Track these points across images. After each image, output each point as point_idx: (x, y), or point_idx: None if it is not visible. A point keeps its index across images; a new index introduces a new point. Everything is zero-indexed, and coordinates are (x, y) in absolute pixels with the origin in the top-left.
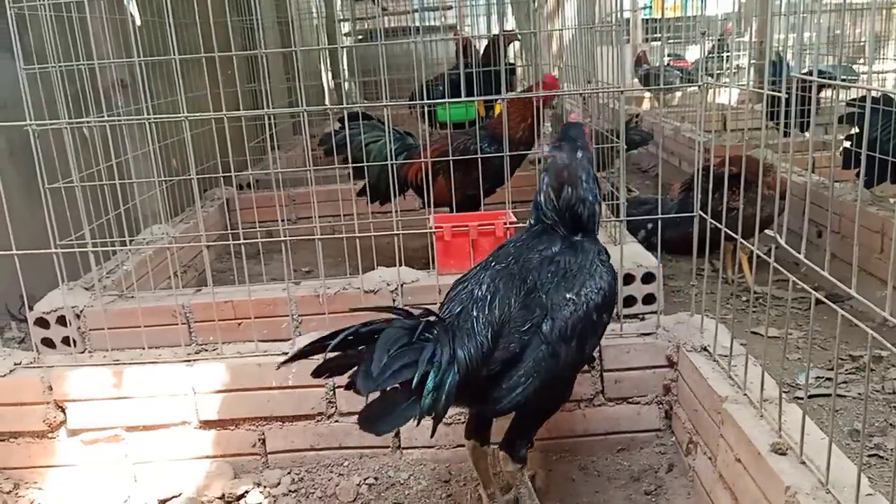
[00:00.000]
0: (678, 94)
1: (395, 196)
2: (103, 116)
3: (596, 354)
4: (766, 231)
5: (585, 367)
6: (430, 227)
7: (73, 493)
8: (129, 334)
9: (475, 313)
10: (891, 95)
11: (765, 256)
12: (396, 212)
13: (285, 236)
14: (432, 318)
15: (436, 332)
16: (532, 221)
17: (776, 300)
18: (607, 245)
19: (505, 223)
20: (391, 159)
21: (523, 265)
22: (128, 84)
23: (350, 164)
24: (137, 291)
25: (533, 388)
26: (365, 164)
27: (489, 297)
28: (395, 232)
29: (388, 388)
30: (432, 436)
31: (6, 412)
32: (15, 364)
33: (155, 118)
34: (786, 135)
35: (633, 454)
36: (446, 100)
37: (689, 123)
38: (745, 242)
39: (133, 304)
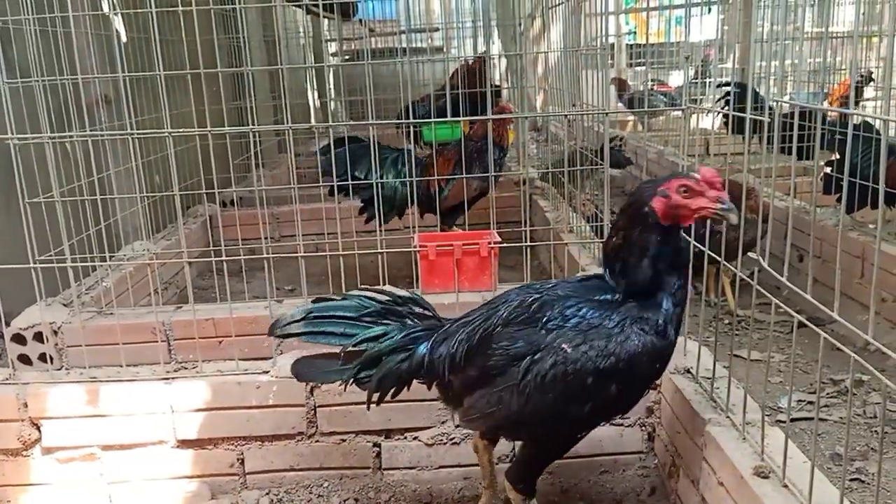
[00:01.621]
0: (661, 118)
1: (413, 213)
2: (86, 131)
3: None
4: (749, 254)
5: None
6: (415, 246)
7: None
8: (107, 351)
9: (466, 326)
10: (870, 122)
11: (748, 279)
12: (380, 229)
13: (268, 253)
14: (398, 307)
15: (398, 321)
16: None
17: (758, 323)
18: (589, 266)
19: (489, 243)
20: (410, 175)
21: (546, 302)
22: (112, 100)
23: (360, 181)
24: (117, 308)
25: (493, 420)
26: (373, 182)
27: (487, 316)
28: (379, 251)
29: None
30: (368, 408)
31: None
32: None
33: (138, 133)
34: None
35: (615, 476)
36: (433, 119)
37: (673, 147)
38: (727, 265)
39: (112, 320)
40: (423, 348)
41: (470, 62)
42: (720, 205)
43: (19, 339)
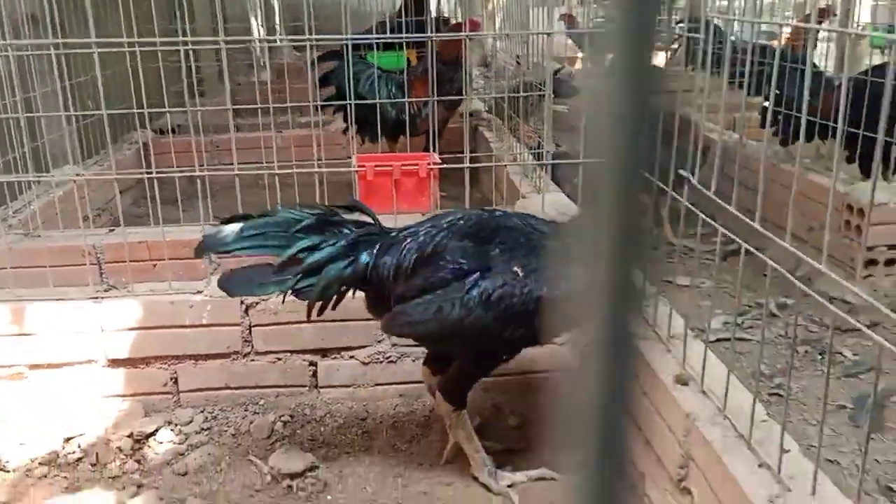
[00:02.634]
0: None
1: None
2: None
3: None
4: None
5: None
6: (353, 167)
7: None
8: (35, 274)
9: (414, 237)
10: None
11: (691, 207)
12: (319, 147)
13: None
14: (333, 218)
15: (342, 229)
16: None
17: (690, 252)
18: (530, 193)
19: (429, 163)
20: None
21: (501, 225)
22: (38, 19)
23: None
24: (45, 231)
25: (424, 328)
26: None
27: (437, 229)
28: (317, 170)
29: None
30: (308, 319)
31: None
32: None
33: (64, 46)
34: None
35: (545, 393)
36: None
37: None
38: (674, 194)
39: (40, 243)
40: (365, 256)
41: None
42: None
43: None
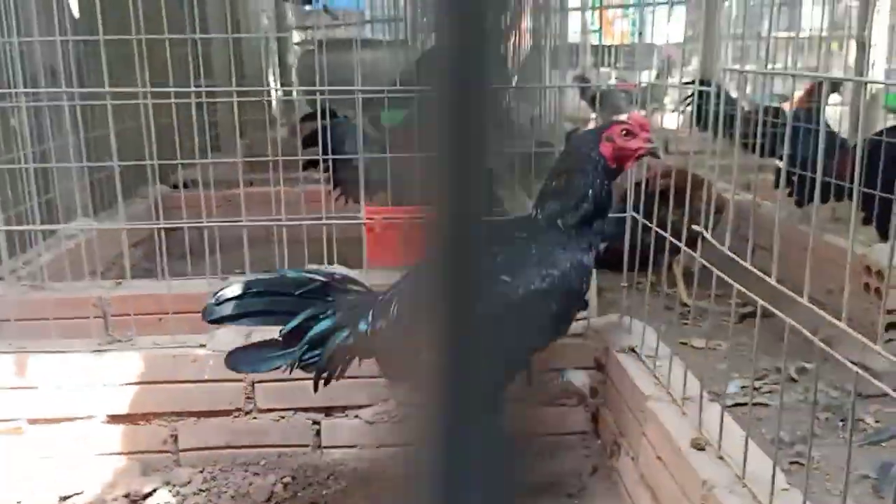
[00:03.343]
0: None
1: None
2: (29, 99)
3: None
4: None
5: None
6: (362, 219)
7: None
8: (41, 326)
9: (397, 294)
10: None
11: (709, 265)
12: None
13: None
14: (337, 283)
15: (339, 297)
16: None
17: (704, 313)
18: None
19: None
20: None
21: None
22: (57, 72)
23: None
24: (53, 283)
25: None
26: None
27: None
28: (325, 222)
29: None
30: (315, 390)
31: None
32: None
33: (79, 97)
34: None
35: (557, 456)
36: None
37: None
38: (689, 251)
39: (46, 294)
40: (363, 324)
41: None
42: (650, 144)
43: None
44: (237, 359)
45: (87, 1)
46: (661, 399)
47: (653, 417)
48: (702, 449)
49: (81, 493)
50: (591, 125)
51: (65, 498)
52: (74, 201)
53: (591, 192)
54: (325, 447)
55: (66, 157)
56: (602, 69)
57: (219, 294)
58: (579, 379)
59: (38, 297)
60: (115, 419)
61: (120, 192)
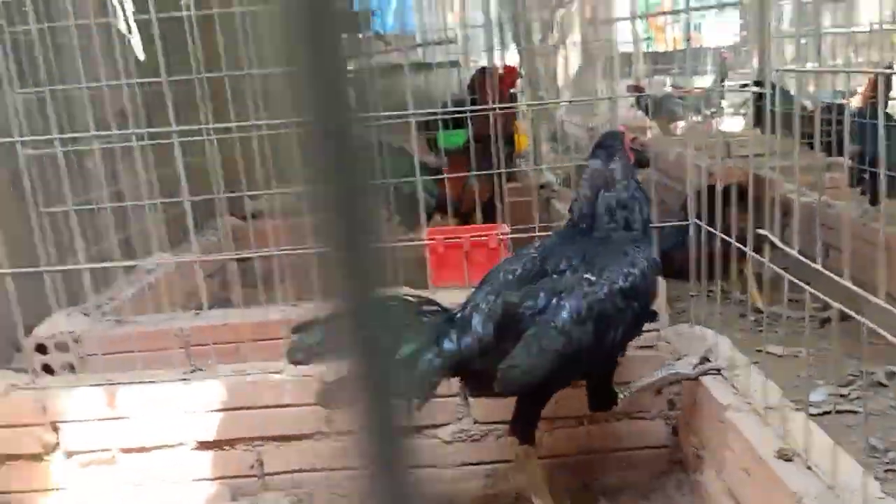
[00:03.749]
0: (682, 122)
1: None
2: (100, 142)
3: None
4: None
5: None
6: (424, 240)
7: None
8: (127, 359)
9: (481, 304)
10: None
11: (781, 272)
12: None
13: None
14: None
15: (417, 319)
16: (565, 224)
17: (779, 318)
18: None
19: (498, 234)
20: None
21: (546, 255)
22: (127, 114)
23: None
24: (135, 316)
25: (541, 368)
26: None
27: (493, 290)
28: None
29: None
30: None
31: (2, 434)
32: (10, 386)
33: (149, 136)
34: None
35: (639, 472)
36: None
37: (694, 150)
38: (757, 256)
39: (131, 328)
40: (448, 343)
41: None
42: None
43: (42, 348)
44: (331, 394)
45: (149, 44)
46: (741, 409)
47: (734, 428)
48: (789, 459)
49: None
50: (648, 134)
51: None
52: (150, 237)
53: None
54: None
55: (139, 196)
56: (656, 77)
57: (297, 340)
58: (687, 368)
59: (122, 331)
60: (203, 445)
61: (192, 225)
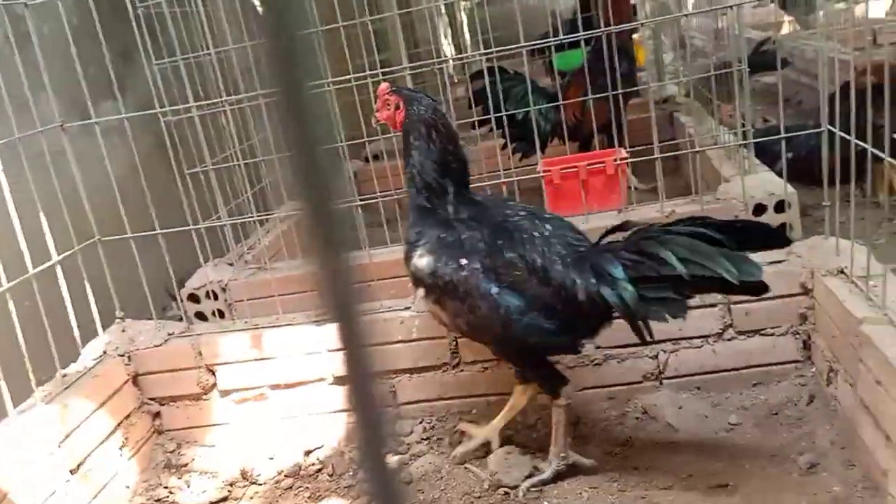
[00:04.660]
0: (821, 13)
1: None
2: (233, 103)
3: None
4: None
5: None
6: (539, 171)
7: (230, 448)
8: (270, 303)
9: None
10: None
11: None
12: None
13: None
14: None
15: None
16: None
17: None
18: (735, 176)
19: (615, 159)
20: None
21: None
22: (253, 71)
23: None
24: (273, 263)
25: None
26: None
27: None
28: (504, 180)
29: None
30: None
31: (164, 378)
32: (168, 334)
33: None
34: None
35: (769, 388)
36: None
37: (836, 42)
38: (892, 161)
39: (269, 274)
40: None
41: None
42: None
43: (194, 298)
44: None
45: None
46: (878, 322)
47: (868, 342)
48: None
49: (322, 446)
50: (786, 30)
51: (308, 452)
52: (281, 188)
53: None
54: None
55: (269, 150)
56: None
57: None
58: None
59: (262, 278)
60: (340, 380)
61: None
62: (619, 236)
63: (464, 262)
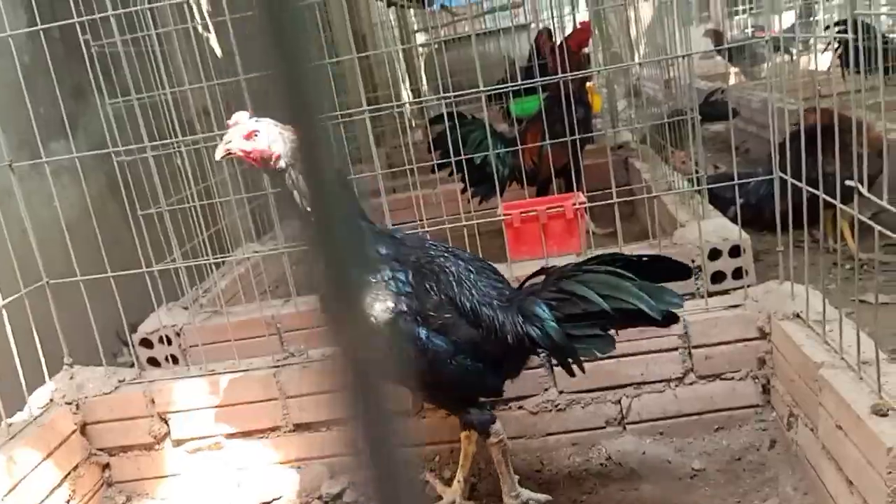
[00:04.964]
0: (765, 65)
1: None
2: (188, 143)
3: (683, 330)
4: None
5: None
6: (499, 215)
7: (183, 501)
8: (225, 348)
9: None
10: None
11: (869, 221)
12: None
13: None
14: None
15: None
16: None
17: (883, 265)
18: (690, 221)
19: (574, 203)
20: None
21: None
22: (210, 111)
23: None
24: (230, 307)
25: None
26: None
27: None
28: (465, 223)
29: None
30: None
31: (114, 427)
32: (119, 381)
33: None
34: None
35: (731, 433)
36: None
37: (778, 94)
38: (844, 207)
39: (225, 318)
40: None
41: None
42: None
43: (147, 343)
44: None
45: (226, 42)
46: (835, 365)
47: (827, 385)
48: (884, 415)
49: (280, 497)
50: (732, 80)
51: (266, 503)
52: (238, 230)
53: None
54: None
55: (227, 191)
56: (736, 18)
57: None
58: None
59: (218, 322)
60: (298, 427)
61: (276, 217)
62: (539, 279)
63: (390, 305)
